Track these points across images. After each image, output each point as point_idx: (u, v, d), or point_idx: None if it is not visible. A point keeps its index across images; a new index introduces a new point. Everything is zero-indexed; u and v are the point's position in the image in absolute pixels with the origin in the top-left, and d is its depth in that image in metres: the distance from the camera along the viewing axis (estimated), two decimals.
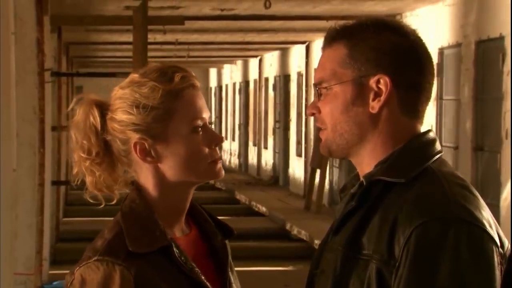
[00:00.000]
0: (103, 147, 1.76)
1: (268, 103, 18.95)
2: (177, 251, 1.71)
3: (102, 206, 1.81)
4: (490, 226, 1.55)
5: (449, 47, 9.63)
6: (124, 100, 1.75)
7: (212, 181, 18.27)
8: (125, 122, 1.74)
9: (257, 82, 20.00)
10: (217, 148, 1.77)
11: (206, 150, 1.75)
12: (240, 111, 22.33)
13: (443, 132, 9.85)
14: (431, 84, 1.65)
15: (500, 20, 8.17)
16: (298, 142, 16.08)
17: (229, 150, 23.81)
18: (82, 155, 1.76)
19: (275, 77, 18.28)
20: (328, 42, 1.66)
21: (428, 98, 1.65)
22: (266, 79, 19.20)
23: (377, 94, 1.62)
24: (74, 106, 1.79)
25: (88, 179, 1.77)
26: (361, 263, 1.56)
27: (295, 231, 11.77)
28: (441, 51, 9.87)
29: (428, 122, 10.19)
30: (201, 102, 1.77)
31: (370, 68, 1.62)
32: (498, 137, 8.30)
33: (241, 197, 15.68)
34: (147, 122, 1.73)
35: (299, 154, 16.04)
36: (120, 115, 1.74)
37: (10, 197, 4.68)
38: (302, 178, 15.55)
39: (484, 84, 8.78)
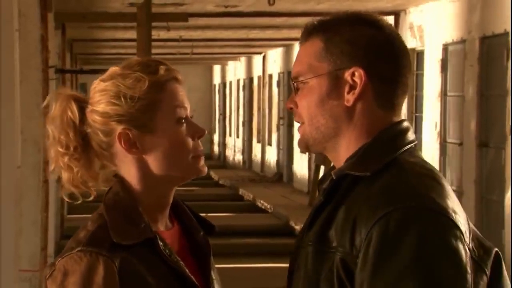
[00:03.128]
0: (81, 142, 1.75)
1: (272, 99, 18.94)
2: (161, 243, 1.70)
3: (79, 202, 1.79)
4: (455, 213, 1.54)
5: (453, 43, 9.61)
6: (107, 91, 1.74)
7: (216, 178, 18.17)
8: (109, 114, 1.73)
9: (261, 79, 19.99)
10: (199, 142, 1.77)
11: (190, 142, 1.75)
12: (244, 108, 22.32)
13: (447, 128, 9.84)
14: (407, 78, 1.65)
15: (504, 16, 8.16)
16: None
17: (233, 147, 23.81)
18: (61, 150, 1.74)
19: (279, 74, 18.28)
20: (305, 37, 1.68)
21: (404, 92, 1.65)
22: (270, 76, 19.19)
23: (352, 87, 1.62)
24: (50, 102, 1.77)
25: (65, 176, 1.75)
26: (331, 257, 1.57)
27: (299, 227, 11.77)
28: (445, 47, 9.86)
29: (433, 118, 10.18)
30: (183, 94, 1.78)
31: (345, 61, 1.62)
32: (503, 133, 8.29)
33: (245, 193, 15.68)
34: (132, 113, 1.72)
35: (303, 151, 16.02)
36: (104, 107, 1.73)
37: (14, 194, 4.69)
38: (306, 175, 15.55)
39: (488, 80, 8.77)
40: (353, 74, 1.62)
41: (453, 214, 1.53)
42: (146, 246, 1.69)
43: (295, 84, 1.67)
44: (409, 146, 1.63)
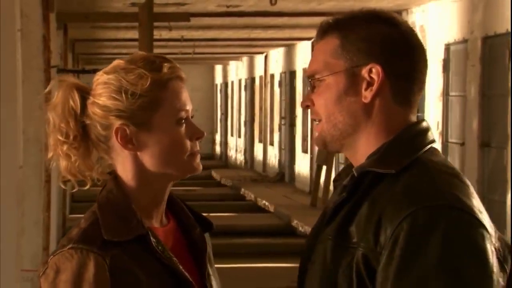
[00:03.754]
0: (81, 132, 1.74)
1: (274, 99, 18.94)
2: (154, 240, 1.70)
3: (75, 190, 1.79)
4: (480, 212, 1.55)
5: (456, 43, 9.61)
6: (109, 85, 1.73)
7: (218, 178, 18.18)
8: (109, 108, 1.72)
9: (263, 79, 19.99)
10: (197, 142, 1.76)
11: (188, 143, 1.74)
12: (246, 108, 22.32)
13: (449, 128, 9.83)
14: (423, 74, 1.66)
15: (506, 16, 8.15)
16: (304, 139, 16.07)
17: (235, 147, 23.81)
18: (60, 138, 1.74)
19: (280, 74, 18.28)
20: (320, 35, 1.68)
21: (421, 88, 1.66)
22: (272, 76, 19.19)
23: (369, 84, 1.63)
24: (51, 89, 1.77)
25: (63, 164, 1.75)
26: (350, 252, 1.57)
27: (301, 227, 11.77)
28: (447, 47, 9.85)
29: (435, 118, 10.18)
30: (186, 94, 1.77)
31: (362, 58, 1.63)
32: (505, 133, 8.28)
33: (247, 193, 15.68)
34: (132, 109, 1.72)
35: (305, 151, 16.04)
36: (104, 100, 1.72)
37: (16, 194, 4.69)
38: (308, 175, 15.55)
39: (490, 80, 8.77)
40: (370, 71, 1.62)
41: (478, 213, 1.54)
42: (138, 243, 1.69)
43: (311, 82, 1.67)
44: (430, 145, 1.63)
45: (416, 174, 1.57)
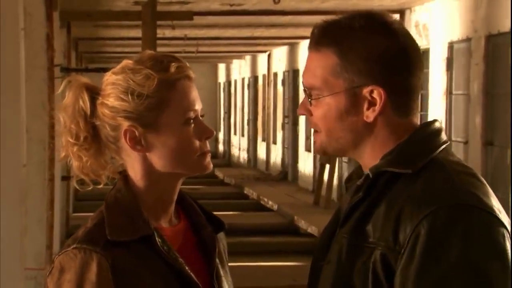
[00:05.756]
0: (91, 132, 1.74)
1: (277, 98, 18.94)
2: (159, 240, 1.70)
3: (90, 188, 1.79)
4: (500, 212, 1.55)
5: (459, 41, 9.60)
6: (117, 86, 1.72)
7: (221, 176, 18.16)
8: (117, 109, 1.72)
9: (266, 77, 19.98)
10: (207, 141, 1.75)
11: (197, 142, 1.73)
12: (249, 106, 22.32)
13: (452, 127, 9.83)
14: (420, 78, 1.65)
15: (510, 14, 8.14)
16: (307, 137, 16.07)
17: (238, 145, 23.81)
18: (70, 140, 1.74)
19: (284, 72, 18.27)
20: (315, 45, 1.64)
21: (419, 92, 1.65)
22: (275, 74, 19.19)
23: (371, 104, 1.62)
24: (64, 89, 1.76)
25: (75, 164, 1.75)
26: (366, 251, 1.57)
27: (304, 226, 11.77)
28: (450, 46, 9.85)
29: (438, 116, 10.16)
30: (195, 93, 1.76)
31: (362, 79, 1.61)
32: (508, 132, 8.28)
33: (250, 192, 15.68)
34: (139, 110, 1.71)
35: (308, 149, 16.03)
36: (112, 101, 1.72)
37: (20, 192, 4.70)
38: (311, 173, 15.55)
39: (494, 79, 8.76)
40: (371, 92, 1.61)
41: (498, 213, 1.55)
42: (144, 243, 1.69)
43: (308, 93, 1.65)
44: (444, 145, 1.63)
45: (435, 174, 1.57)
